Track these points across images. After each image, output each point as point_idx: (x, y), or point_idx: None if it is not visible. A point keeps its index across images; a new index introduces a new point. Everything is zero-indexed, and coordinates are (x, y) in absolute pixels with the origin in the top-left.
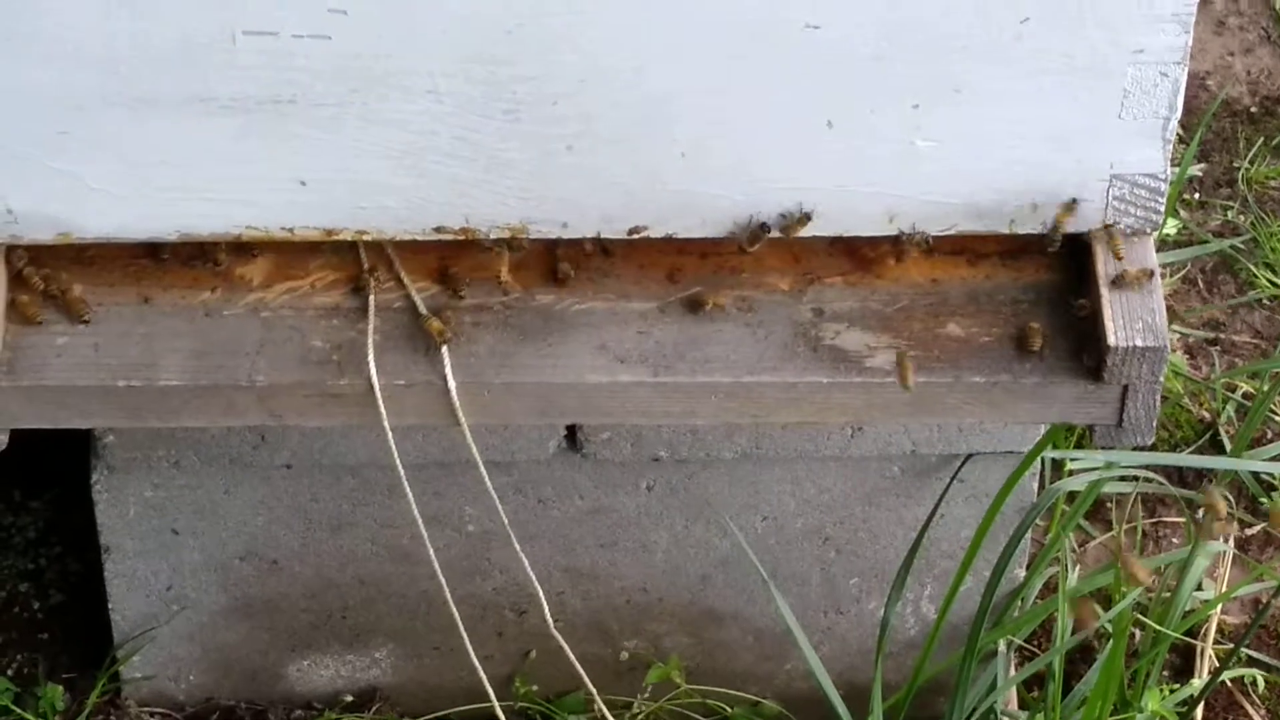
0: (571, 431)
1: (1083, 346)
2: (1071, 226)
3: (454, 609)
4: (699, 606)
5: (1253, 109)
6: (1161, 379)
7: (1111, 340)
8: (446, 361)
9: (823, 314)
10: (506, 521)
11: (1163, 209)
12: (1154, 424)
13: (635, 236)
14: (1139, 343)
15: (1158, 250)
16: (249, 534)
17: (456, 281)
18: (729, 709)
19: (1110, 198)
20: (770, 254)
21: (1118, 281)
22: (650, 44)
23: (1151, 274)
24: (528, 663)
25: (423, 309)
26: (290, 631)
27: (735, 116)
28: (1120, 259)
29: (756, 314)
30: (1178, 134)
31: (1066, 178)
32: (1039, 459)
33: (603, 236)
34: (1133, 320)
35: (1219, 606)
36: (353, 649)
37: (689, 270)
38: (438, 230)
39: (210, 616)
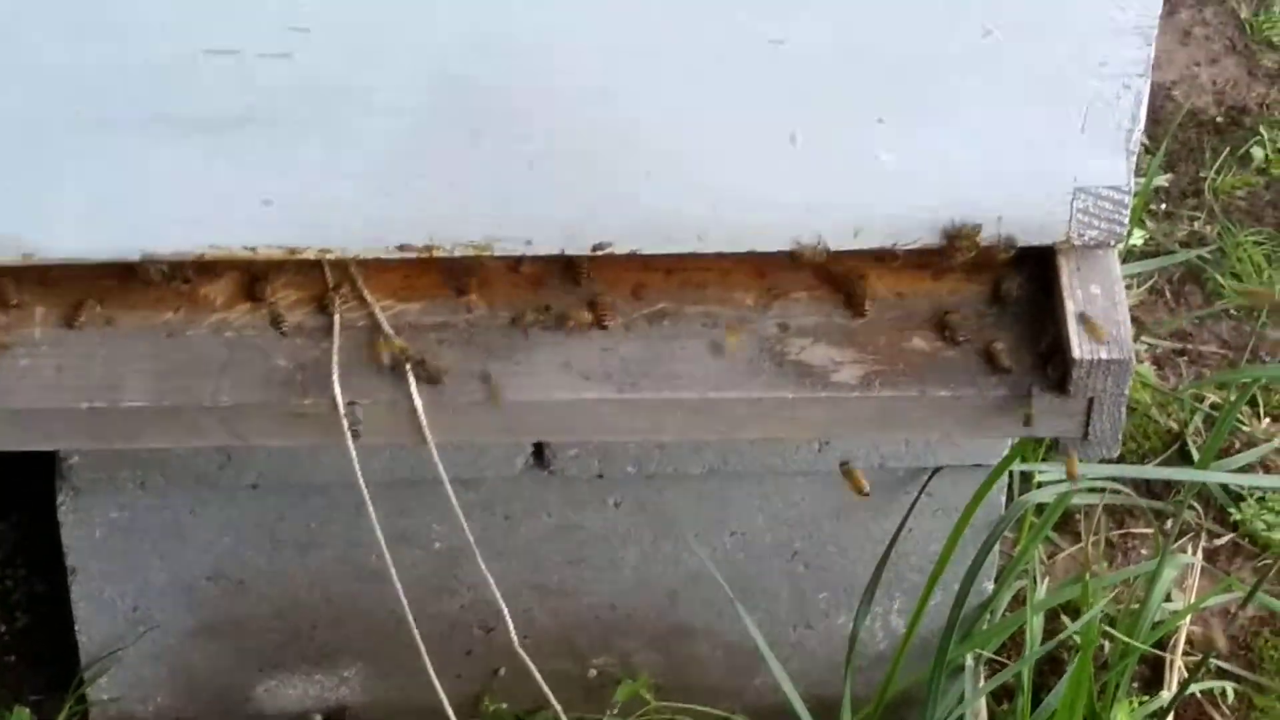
0: (539, 448)
1: (1048, 359)
2: (1023, 240)
3: (415, 629)
4: (668, 622)
5: (1219, 119)
6: (1127, 391)
7: (1076, 353)
8: (411, 380)
9: (788, 329)
10: (473, 540)
11: (1126, 221)
12: (1119, 436)
13: (600, 253)
14: (1104, 355)
15: (1125, 261)
16: (216, 554)
17: None
18: None
19: (1074, 210)
20: (736, 269)
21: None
22: (613, 62)
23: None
24: (497, 680)
25: (386, 328)
26: (258, 651)
27: (700, 133)
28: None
29: (722, 329)
30: (1144, 144)
31: (1031, 190)
32: (1007, 472)
33: (567, 253)
34: None
35: (1188, 618)
36: (321, 668)
37: (654, 286)
38: (401, 249)
39: (177, 637)
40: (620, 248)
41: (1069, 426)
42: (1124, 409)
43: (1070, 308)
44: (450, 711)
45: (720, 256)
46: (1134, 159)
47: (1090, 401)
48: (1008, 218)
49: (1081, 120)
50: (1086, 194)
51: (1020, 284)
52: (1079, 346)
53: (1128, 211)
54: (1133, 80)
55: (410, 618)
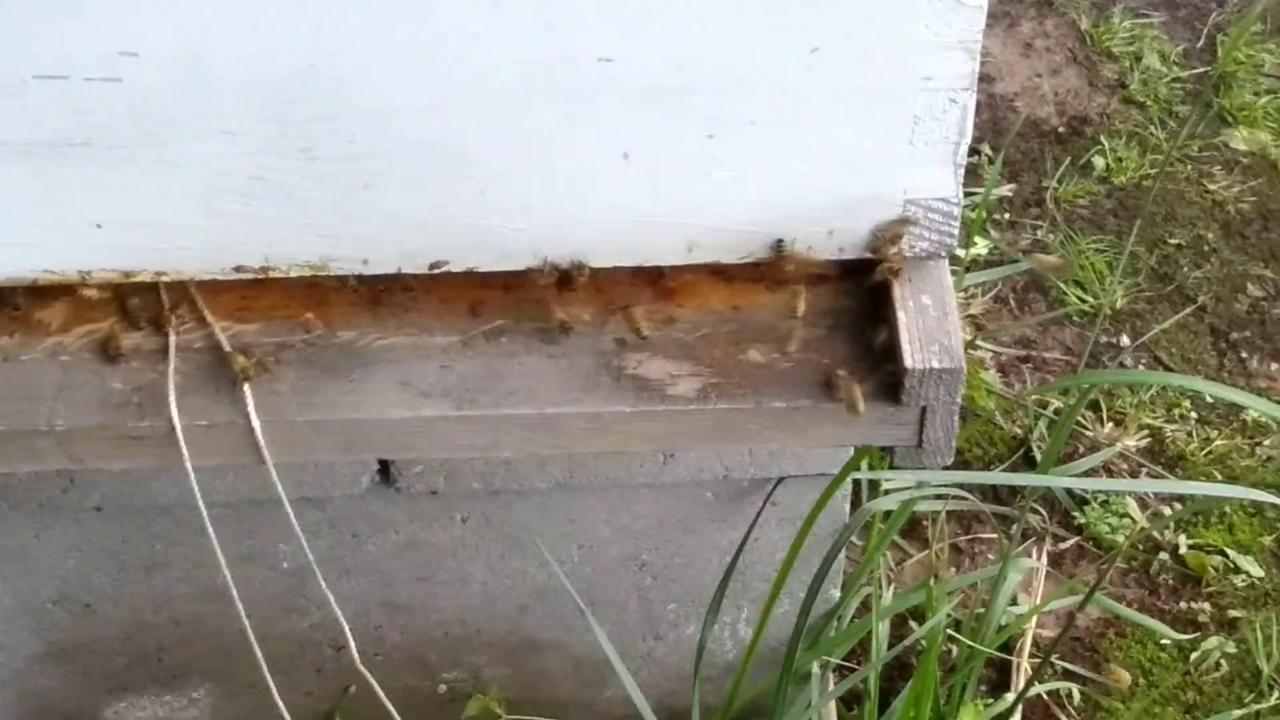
0: (385, 466)
1: (881, 369)
2: (855, 253)
3: (258, 649)
4: (517, 637)
5: (1060, 129)
6: (959, 400)
7: (909, 363)
8: (249, 400)
9: (625, 344)
10: (315, 558)
11: (956, 233)
12: (953, 444)
13: (436, 271)
14: (935, 364)
15: (969, 270)
16: (61, 577)
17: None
18: None
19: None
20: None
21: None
22: (443, 82)
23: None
24: (348, 698)
25: (227, 347)
26: (106, 674)
27: (532, 151)
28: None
29: (559, 345)
30: (987, 155)
31: (862, 203)
32: (851, 481)
33: (404, 272)
34: (929, 343)
35: (1033, 620)
36: (170, 689)
37: (492, 303)
38: (237, 270)
39: (24, 661)
40: (457, 265)
41: (903, 435)
42: (956, 417)
43: (902, 319)
44: None
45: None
46: (962, 171)
47: (923, 410)
48: (839, 231)
49: (909, 134)
50: (917, 206)
51: (854, 296)
52: (911, 356)
53: (957, 223)
54: (959, 94)
55: (253, 638)
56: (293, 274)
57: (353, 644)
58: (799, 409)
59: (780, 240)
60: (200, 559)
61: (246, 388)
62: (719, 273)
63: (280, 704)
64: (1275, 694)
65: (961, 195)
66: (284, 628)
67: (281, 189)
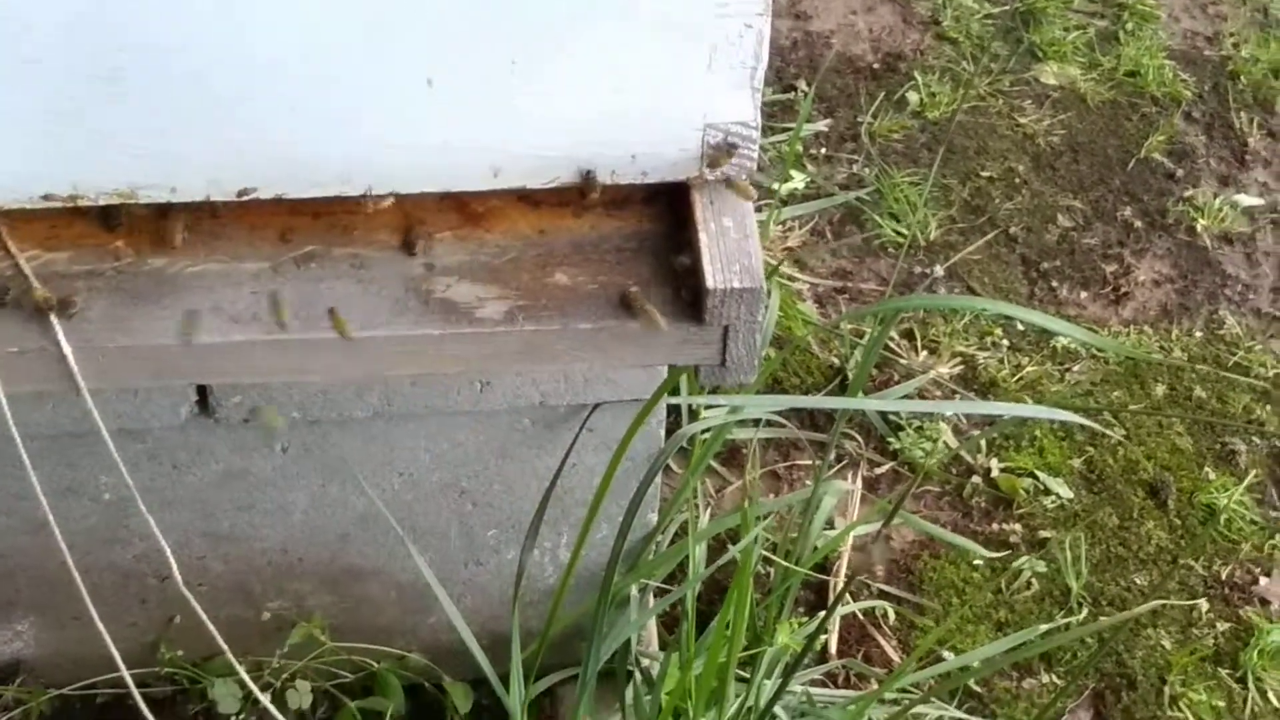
0: (203, 396)
1: (684, 290)
2: (658, 177)
3: (79, 581)
4: (340, 564)
5: (875, 65)
6: (760, 319)
7: (710, 283)
8: (58, 327)
9: (434, 268)
10: (138, 489)
11: (755, 156)
12: (755, 362)
13: (246, 199)
14: (737, 284)
15: (786, 204)
16: None
17: None
18: (375, 664)
19: (705, 147)
20: (381, 211)
21: None
22: (249, 5)
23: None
24: (172, 628)
25: (31, 277)
26: None
27: (337, 77)
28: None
29: (369, 270)
30: (803, 91)
31: (663, 128)
32: (667, 407)
33: (212, 199)
34: (730, 263)
35: (849, 542)
36: None
37: (302, 230)
38: (45, 199)
39: None
40: (265, 192)
41: (707, 354)
42: (758, 336)
43: (704, 240)
44: (120, 661)
45: (365, 198)
46: (759, 95)
47: (726, 329)
48: (642, 156)
49: (708, 59)
50: (716, 130)
51: (658, 219)
52: (712, 277)
53: (756, 146)
54: (754, 20)
55: (74, 569)
56: (101, 202)
57: (177, 573)
58: (605, 329)
59: (588, 165)
60: (22, 491)
61: (54, 315)
62: (526, 198)
63: (105, 634)
64: (1084, 610)
65: (760, 119)
66: (107, 559)
67: (88, 116)
